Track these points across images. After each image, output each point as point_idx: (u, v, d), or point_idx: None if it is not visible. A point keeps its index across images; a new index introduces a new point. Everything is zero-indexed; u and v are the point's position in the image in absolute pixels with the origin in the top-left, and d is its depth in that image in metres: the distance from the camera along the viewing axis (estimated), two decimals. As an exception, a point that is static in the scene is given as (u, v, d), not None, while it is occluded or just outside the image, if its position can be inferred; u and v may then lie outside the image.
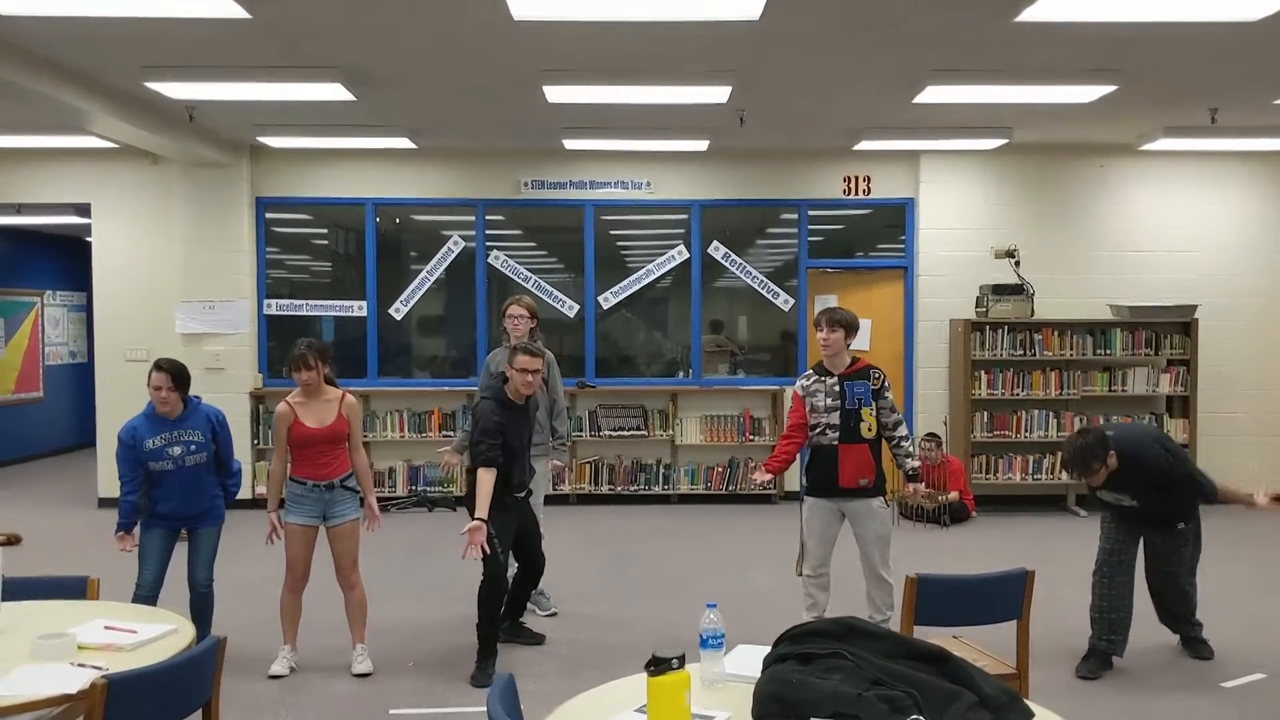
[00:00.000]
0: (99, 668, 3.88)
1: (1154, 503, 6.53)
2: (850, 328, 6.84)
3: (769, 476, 7.01)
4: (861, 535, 6.85)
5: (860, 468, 6.73)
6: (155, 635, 4.36)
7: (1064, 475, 11.53)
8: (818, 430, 6.76)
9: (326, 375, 6.88)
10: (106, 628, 4.40)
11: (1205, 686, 6.48)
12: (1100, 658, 6.71)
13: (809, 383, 6.84)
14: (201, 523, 6.79)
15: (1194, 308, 11.77)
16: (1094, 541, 6.92)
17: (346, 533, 6.80)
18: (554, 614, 7.91)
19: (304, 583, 6.81)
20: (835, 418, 6.70)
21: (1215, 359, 12.07)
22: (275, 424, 6.74)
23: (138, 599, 6.46)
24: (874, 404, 6.78)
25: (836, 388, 6.74)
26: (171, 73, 8.42)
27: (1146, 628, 7.07)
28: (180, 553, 6.80)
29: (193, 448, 6.63)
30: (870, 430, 6.75)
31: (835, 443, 6.70)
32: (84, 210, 12.51)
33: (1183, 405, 11.90)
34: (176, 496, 6.63)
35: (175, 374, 6.54)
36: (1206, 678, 6.63)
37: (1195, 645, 6.98)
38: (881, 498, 6.87)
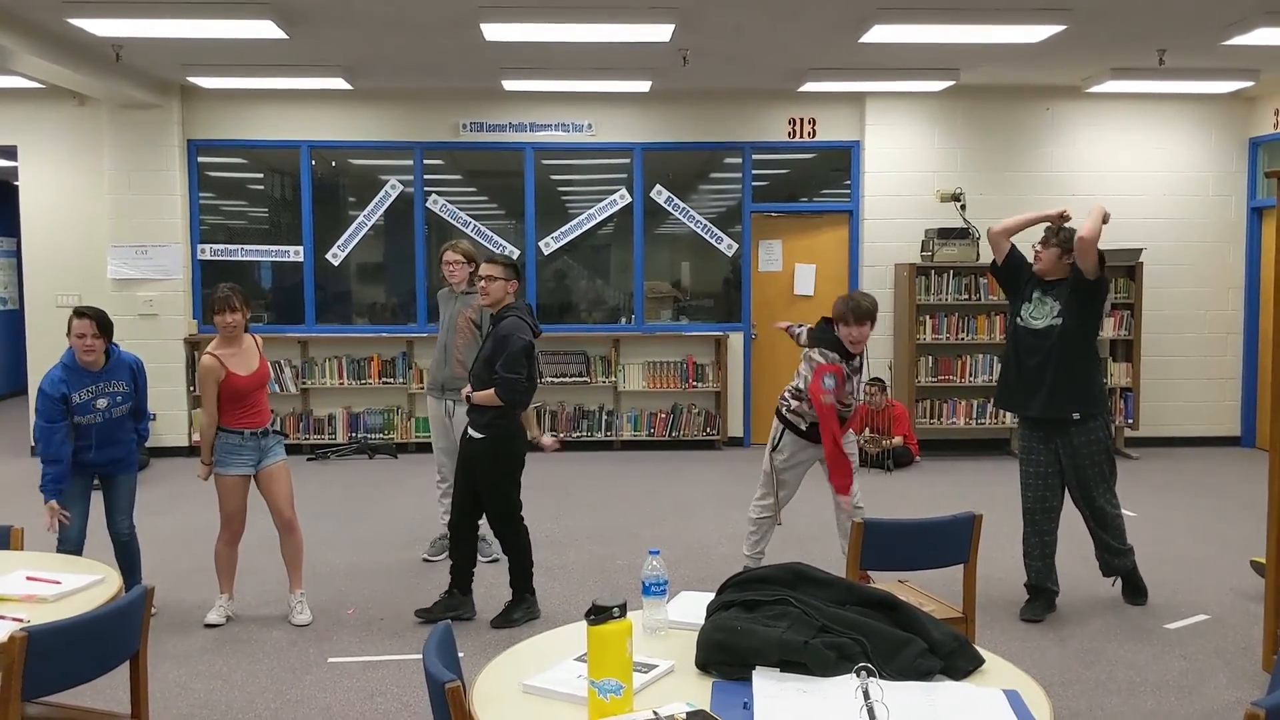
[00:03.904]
0: (20, 620, 3.74)
1: (1069, 308, 6.54)
2: (875, 315, 6.60)
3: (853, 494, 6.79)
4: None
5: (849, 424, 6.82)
6: (80, 586, 4.21)
7: (1007, 419, 11.64)
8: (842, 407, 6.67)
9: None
10: (29, 578, 4.26)
11: (1149, 629, 6.50)
12: (1045, 601, 6.72)
13: (844, 366, 6.56)
14: (118, 469, 6.62)
15: (1139, 251, 11.78)
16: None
17: (281, 473, 6.69)
18: (495, 560, 7.82)
19: (241, 534, 6.68)
20: (854, 400, 6.68)
21: (1159, 302, 12.11)
22: (202, 378, 6.46)
23: (63, 552, 6.28)
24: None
25: (857, 366, 6.66)
26: (95, 8, 8.16)
27: (1088, 572, 7.08)
28: (97, 501, 6.62)
29: (119, 399, 6.43)
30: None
31: (845, 415, 6.70)
32: (10, 153, 12.21)
33: (1126, 349, 11.94)
34: (96, 447, 6.43)
35: (100, 320, 6.29)
36: (1150, 620, 6.65)
37: (1132, 591, 6.98)
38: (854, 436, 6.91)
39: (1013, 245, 6.84)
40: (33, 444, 11.83)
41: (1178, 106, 12.20)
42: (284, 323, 12.29)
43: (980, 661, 3.13)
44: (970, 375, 11.84)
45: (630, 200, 12.34)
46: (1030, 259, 6.78)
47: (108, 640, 3.75)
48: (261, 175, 12.82)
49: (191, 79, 11.02)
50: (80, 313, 6.31)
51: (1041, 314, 6.65)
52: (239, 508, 6.61)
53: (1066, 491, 6.77)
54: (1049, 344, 6.58)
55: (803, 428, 6.79)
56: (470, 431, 6.67)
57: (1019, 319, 6.76)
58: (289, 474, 6.76)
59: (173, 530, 8.30)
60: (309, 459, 11.74)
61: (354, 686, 5.69)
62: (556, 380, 12.19)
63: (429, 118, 12.13)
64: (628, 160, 12.34)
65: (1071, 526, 6.89)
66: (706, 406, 12.36)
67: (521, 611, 6.67)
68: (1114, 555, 6.91)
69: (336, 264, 12.31)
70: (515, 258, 12.12)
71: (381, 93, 11.96)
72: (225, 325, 6.47)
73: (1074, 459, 6.65)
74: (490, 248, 12.07)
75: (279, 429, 6.81)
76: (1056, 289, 6.64)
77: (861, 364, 6.70)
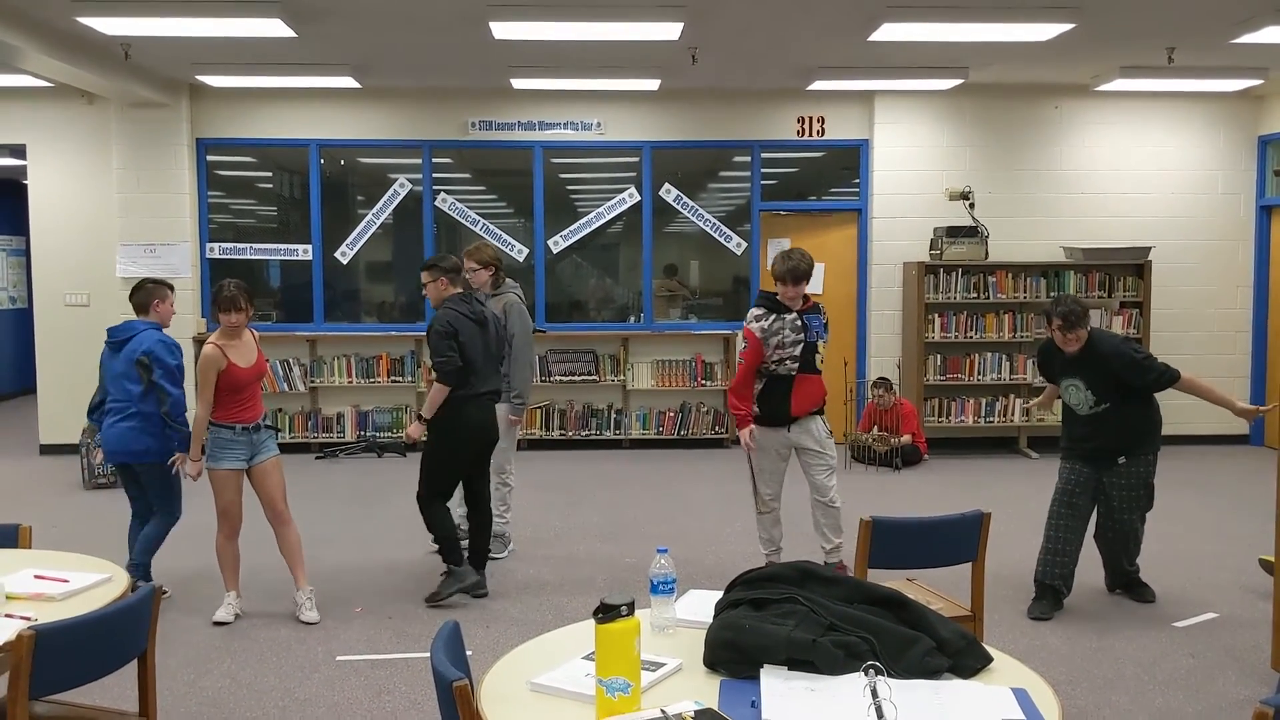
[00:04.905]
0: (28, 618, 3.73)
1: (1108, 392, 6.50)
2: (810, 275, 6.98)
3: (752, 427, 7.04)
4: (809, 463, 7.05)
5: (813, 397, 6.98)
6: (87, 584, 4.20)
7: (1015, 417, 11.64)
8: (777, 363, 6.89)
9: None
10: (36, 577, 4.25)
11: (1158, 627, 6.49)
12: (1051, 599, 6.70)
13: (767, 322, 6.90)
14: None
15: (1147, 249, 11.75)
16: (1045, 484, 6.94)
17: (274, 468, 6.75)
18: (496, 559, 7.85)
19: (239, 528, 6.70)
20: (798, 350, 6.87)
21: (1168, 300, 12.08)
22: (204, 368, 6.48)
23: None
24: (826, 335, 7.05)
25: (798, 322, 6.91)
26: (104, 7, 8.16)
27: (1093, 571, 7.06)
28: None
29: None
30: (823, 362, 7.03)
31: (793, 373, 6.88)
32: (19, 152, 12.22)
33: (1134, 348, 11.89)
34: None
35: None
36: (1158, 618, 6.64)
37: (1138, 589, 6.99)
38: (824, 420, 7.12)
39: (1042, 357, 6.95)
40: (42, 443, 11.95)
41: (1186, 105, 12.17)
42: (292, 321, 12.30)
43: (988, 660, 3.12)
44: (978, 374, 11.81)
45: (639, 199, 12.34)
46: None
47: (116, 639, 3.74)
48: (270, 174, 12.82)
49: (200, 77, 11.02)
50: (171, 286, 7.20)
51: (1079, 400, 6.63)
52: (234, 501, 6.64)
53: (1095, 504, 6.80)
54: (1098, 423, 6.60)
55: (757, 412, 6.99)
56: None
57: (1064, 392, 6.78)
58: (282, 468, 6.81)
59: (181, 527, 8.28)
60: (317, 457, 11.76)
61: (362, 685, 5.69)
62: (565, 379, 12.19)
63: (438, 116, 12.13)
64: (636, 159, 12.33)
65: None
66: (715, 405, 12.34)
67: (448, 586, 6.92)
68: (1120, 574, 6.97)
69: (345, 262, 12.31)
70: (525, 257, 12.17)
71: (390, 91, 11.96)
72: (230, 324, 6.52)
73: (1113, 481, 6.69)
74: (500, 246, 12.05)
75: (270, 423, 6.86)
76: (1083, 372, 6.58)
77: (813, 321, 7.00)
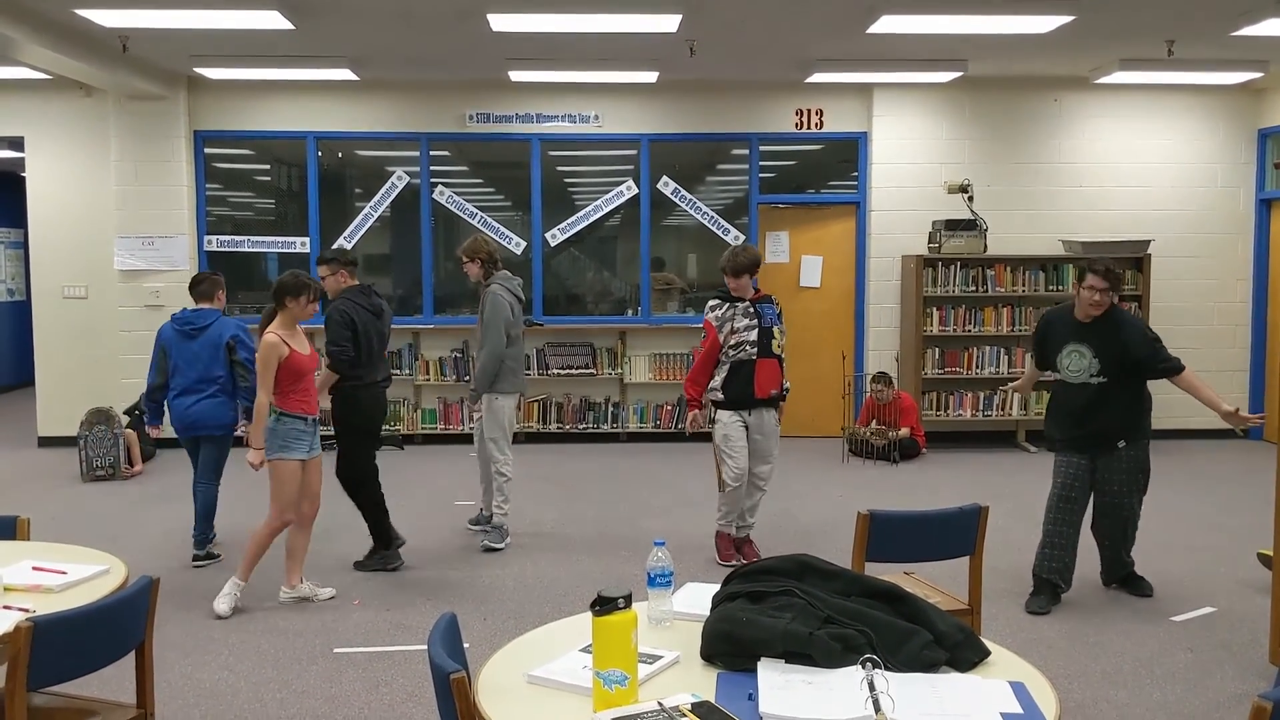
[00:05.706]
0: (25, 609, 3.73)
1: (1109, 365, 6.49)
2: (755, 267, 7.43)
3: (699, 411, 7.57)
4: (754, 451, 7.54)
5: (773, 379, 7.45)
6: (85, 576, 4.19)
7: (1014, 411, 11.65)
8: (737, 349, 7.33)
9: None
10: (34, 568, 4.24)
11: (1156, 621, 6.49)
12: (1049, 593, 6.69)
13: (721, 310, 7.37)
14: None
15: (1147, 243, 11.75)
16: (1043, 477, 6.94)
17: (320, 463, 6.84)
18: (492, 549, 7.87)
19: (291, 521, 6.73)
20: (754, 334, 7.31)
21: (1167, 294, 12.07)
22: (265, 356, 6.43)
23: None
24: (781, 324, 7.48)
25: (750, 309, 7.36)
26: (102, -2, 8.16)
27: (1093, 564, 7.06)
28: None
29: None
30: (780, 348, 7.44)
31: (754, 357, 7.31)
32: (17, 144, 12.19)
33: (1133, 341, 11.88)
34: None
35: None
36: (1156, 612, 6.63)
37: (1135, 583, 6.98)
38: (776, 413, 7.60)
39: (1037, 343, 6.99)
40: (40, 435, 11.95)
41: (1186, 98, 12.16)
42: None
43: (986, 653, 3.13)
44: (977, 367, 11.81)
45: (637, 192, 12.32)
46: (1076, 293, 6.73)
47: (113, 630, 3.74)
48: (268, 166, 12.82)
49: (198, 70, 11.00)
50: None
51: (1079, 367, 6.60)
52: (295, 492, 6.63)
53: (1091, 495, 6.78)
54: (1089, 394, 6.58)
55: (721, 398, 7.44)
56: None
57: (1058, 369, 6.76)
58: None
59: (182, 519, 8.29)
60: (315, 450, 11.74)
61: (360, 677, 5.69)
62: (563, 372, 12.18)
63: (435, 109, 12.11)
64: (634, 152, 12.32)
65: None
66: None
67: (375, 560, 7.54)
68: (1118, 567, 6.96)
69: (343, 255, 12.28)
70: (522, 250, 12.16)
71: (388, 84, 11.95)
72: (309, 314, 6.60)
73: (1111, 468, 6.67)
74: (497, 239, 12.03)
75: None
76: (1093, 339, 6.56)
77: (766, 309, 7.42)
